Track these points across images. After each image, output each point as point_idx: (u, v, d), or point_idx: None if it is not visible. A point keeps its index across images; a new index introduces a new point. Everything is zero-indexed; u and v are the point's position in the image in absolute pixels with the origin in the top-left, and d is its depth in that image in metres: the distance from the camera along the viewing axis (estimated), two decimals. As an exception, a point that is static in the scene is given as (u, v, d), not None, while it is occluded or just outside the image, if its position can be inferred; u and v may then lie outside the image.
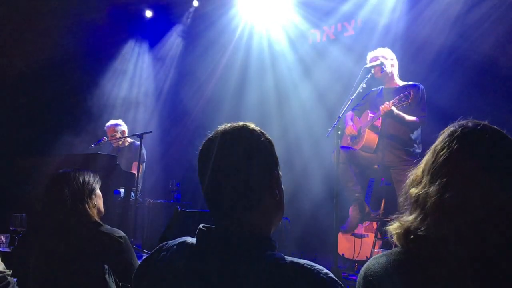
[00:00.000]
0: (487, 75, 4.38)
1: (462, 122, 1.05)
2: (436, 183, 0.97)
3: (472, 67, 4.43)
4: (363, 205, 4.17)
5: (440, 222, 0.94)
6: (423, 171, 1.04)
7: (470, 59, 4.46)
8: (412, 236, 0.98)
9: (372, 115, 4.06)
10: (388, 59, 4.03)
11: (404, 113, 3.77)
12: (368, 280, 1.02)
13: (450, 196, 0.94)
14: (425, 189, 0.99)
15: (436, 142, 1.04)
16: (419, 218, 0.98)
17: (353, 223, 4.20)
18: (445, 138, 1.02)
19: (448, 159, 0.98)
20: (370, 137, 4.02)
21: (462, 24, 4.60)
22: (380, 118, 3.97)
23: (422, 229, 0.96)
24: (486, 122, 1.03)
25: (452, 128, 1.04)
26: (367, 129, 4.04)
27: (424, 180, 1.01)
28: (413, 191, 1.03)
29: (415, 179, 1.05)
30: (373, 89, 4.29)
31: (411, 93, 3.61)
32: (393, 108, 3.70)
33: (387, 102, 3.75)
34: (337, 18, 6.01)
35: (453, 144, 0.99)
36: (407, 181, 1.09)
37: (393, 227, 1.05)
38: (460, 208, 0.93)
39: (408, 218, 1.02)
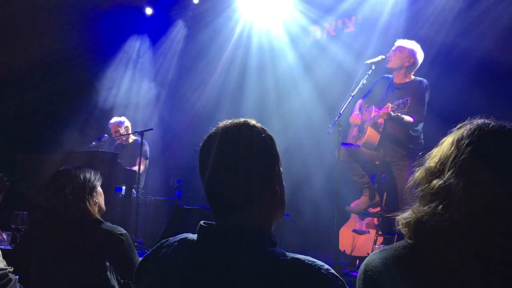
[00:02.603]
0: (487, 72, 4.37)
1: (484, 120, 1.06)
2: (463, 176, 0.97)
3: (472, 64, 4.42)
4: (374, 194, 4.17)
5: (461, 216, 0.94)
6: (442, 163, 1.03)
7: (471, 56, 4.45)
8: (423, 226, 0.98)
9: (376, 112, 4.03)
10: (403, 55, 3.95)
11: (399, 107, 3.74)
12: (368, 275, 1.02)
13: (477, 190, 0.94)
14: (451, 181, 0.98)
15: (456, 135, 1.04)
16: (437, 209, 0.98)
17: (360, 207, 4.21)
18: (472, 132, 1.02)
19: (477, 153, 0.99)
20: (372, 135, 4.01)
21: (462, 20, 4.58)
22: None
23: (438, 219, 0.96)
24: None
25: (480, 122, 1.04)
26: (369, 126, 4.03)
27: (448, 172, 1.00)
28: (436, 182, 1.01)
29: (433, 170, 1.04)
30: (385, 75, 4.19)
31: (409, 100, 3.61)
32: (391, 113, 3.67)
33: (388, 105, 3.72)
34: (337, 15, 6.00)
35: (483, 139, 1.00)
36: (417, 174, 1.08)
37: (405, 216, 1.04)
38: (482, 205, 0.93)
39: (424, 208, 1.01)
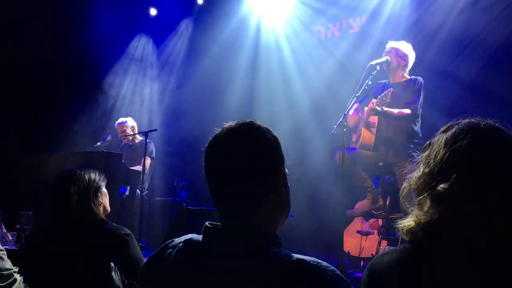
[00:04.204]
0: (495, 68, 4.37)
1: (470, 119, 1.05)
2: (467, 179, 0.96)
3: (476, 64, 4.43)
4: (378, 197, 4.18)
5: (468, 219, 0.93)
6: (441, 167, 1.00)
7: (477, 54, 4.45)
8: (428, 232, 0.97)
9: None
10: (399, 55, 4.05)
11: (396, 106, 3.87)
12: (373, 278, 1.01)
13: (481, 193, 0.94)
14: (456, 185, 0.97)
15: (448, 137, 1.02)
16: (443, 213, 0.97)
17: (361, 210, 4.26)
18: (465, 133, 1.00)
19: (477, 155, 0.98)
20: (366, 135, 4.10)
21: (469, 16, 4.59)
22: (376, 116, 4.03)
23: (443, 224, 0.95)
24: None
25: (469, 123, 1.03)
26: (363, 128, 4.10)
27: (451, 176, 0.98)
28: (442, 187, 0.98)
29: (433, 175, 1.01)
30: (379, 81, 4.29)
31: (390, 91, 3.77)
32: (377, 107, 3.81)
33: (372, 101, 3.91)
34: (342, 15, 5.99)
35: (480, 140, 0.99)
36: (413, 180, 1.07)
37: (406, 223, 1.03)
38: (486, 207, 0.93)
39: (427, 213, 1.00)
